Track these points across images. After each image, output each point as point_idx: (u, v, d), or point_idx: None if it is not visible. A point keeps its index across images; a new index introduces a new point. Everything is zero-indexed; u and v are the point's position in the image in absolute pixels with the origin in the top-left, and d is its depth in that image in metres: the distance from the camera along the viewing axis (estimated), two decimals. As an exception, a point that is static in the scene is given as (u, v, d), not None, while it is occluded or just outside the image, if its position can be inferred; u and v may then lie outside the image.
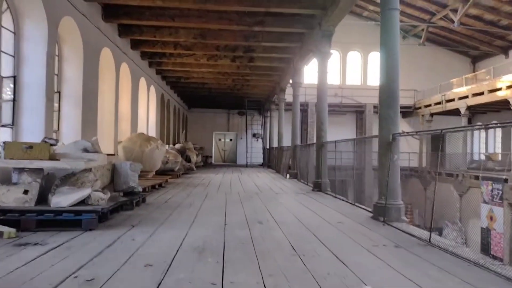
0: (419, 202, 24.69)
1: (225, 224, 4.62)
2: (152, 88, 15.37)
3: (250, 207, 6.07)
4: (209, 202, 6.63)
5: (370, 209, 5.76)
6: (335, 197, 7.73)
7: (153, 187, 8.55)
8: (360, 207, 6.37)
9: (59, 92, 7.78)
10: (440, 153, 4.61)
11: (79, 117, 8.27)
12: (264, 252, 3.37)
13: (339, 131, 25.38)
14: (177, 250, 3.34)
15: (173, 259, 3.09)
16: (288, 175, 13.05)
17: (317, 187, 8.76)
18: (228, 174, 14.90)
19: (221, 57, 13.07)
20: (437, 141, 4.50)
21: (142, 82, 13.91)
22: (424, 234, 4.10)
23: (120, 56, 10.88)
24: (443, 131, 4.15)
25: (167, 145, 15.78)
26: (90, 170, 4.73)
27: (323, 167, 8.79)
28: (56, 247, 3.33)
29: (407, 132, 6.06)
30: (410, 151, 25.21)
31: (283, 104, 16.85)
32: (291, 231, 4.29)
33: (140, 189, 6.12)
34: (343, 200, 7.28)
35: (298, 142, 12.85)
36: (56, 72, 8.01)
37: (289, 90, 16.88)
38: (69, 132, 8.15)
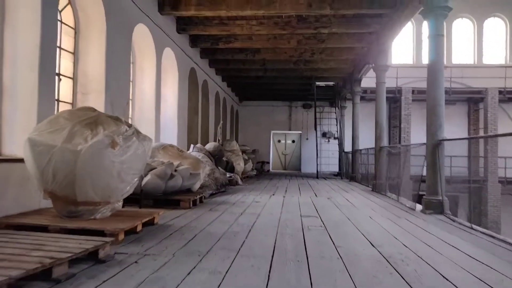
0: None
1: None
2: (169, 52, 9.46)
3: None
4: None
5: None
6: None
7: (45, 274, 2.41)
8: None
9: None
10: None
11: None
12: None
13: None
14: None
15: None
16: (422, 206, 6.30)
17: None
18: (293, 195, 8.47)
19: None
20: None
21: (143, 32, 8.03)
22: None
23: None
24: None
25: (192, 146, 9.76)
26: None
27: None
28: None
29: None
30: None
31: (384, 75, 10.03)
32: None
33: None
34: None
35: (443, 134, 6.04)
36: None
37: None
38: None
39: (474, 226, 4.83)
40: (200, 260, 3.09)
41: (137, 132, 4.28)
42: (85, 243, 2.96)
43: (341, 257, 3.28)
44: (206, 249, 3.45)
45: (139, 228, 4.04)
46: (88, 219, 3.90)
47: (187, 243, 3.67)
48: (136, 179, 4.30)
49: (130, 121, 7.97)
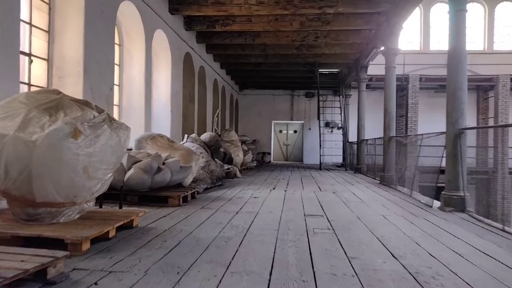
0: None
1: None
2: (161, 34, 8.71)
3: None
4: None
5: None
6: None
7: None
8: None
9: None
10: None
11: None
12: None
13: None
14: None
15: None
16: (440, 203, 5.62)
17: None
18: (295, 189, 7.79)
19: None
20: None
21: (130, 11, 7.30)
22: None
23: None
24: None
25: (186, 136, 9.07)
26: None
27: None
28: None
29: None
30: None
31: (394, 59, 9.27)
32: None
33: None
34: None
35: (466, 122, 5.33)
36: None
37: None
38: None
39: (507, 228, 4.15)
40: (178, 281, 2.42)
41: (110, 119, 3.58)
42: (29, 260, 2.29)
43: (356, 274, 2.61)
44: (189, 262, 2.79)
45: (112, 233, 3.38)
46: (49, 224, 3.24)
47: (167, 253, 3.00)
48: (109, 175, 3.62)
49: (115, 109, 7.29)
